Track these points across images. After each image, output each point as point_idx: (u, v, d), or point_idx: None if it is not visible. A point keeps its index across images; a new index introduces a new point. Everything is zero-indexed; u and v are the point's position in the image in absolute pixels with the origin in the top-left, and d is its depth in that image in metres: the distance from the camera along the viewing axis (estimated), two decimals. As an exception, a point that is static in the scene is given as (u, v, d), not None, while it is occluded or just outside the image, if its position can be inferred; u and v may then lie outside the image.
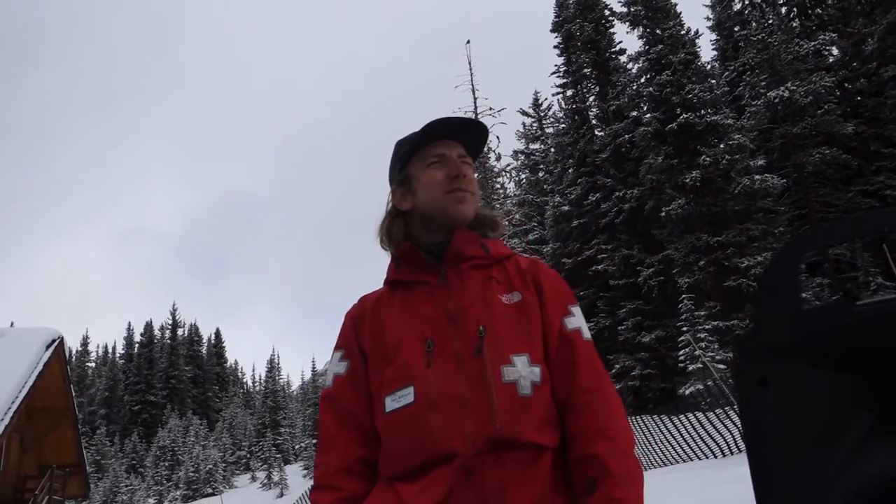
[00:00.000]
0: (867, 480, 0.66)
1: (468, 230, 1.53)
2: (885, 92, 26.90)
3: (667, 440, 15.63)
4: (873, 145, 27.00)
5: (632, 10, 29.75)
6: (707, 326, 22.74)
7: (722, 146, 25.76)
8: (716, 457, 13.45)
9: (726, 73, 33.21)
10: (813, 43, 28.15)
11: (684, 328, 22.84)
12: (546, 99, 47.79)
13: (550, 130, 44.67)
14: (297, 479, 54.44)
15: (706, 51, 49.60)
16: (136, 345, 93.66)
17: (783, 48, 27.57)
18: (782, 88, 26.40)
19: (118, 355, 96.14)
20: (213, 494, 57.71)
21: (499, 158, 30.32)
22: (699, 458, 14.08)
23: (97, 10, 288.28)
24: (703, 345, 21.54)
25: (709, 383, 16.55)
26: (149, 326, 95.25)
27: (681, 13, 29.10)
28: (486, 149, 28.03)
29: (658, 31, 28.67)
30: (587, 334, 1.47)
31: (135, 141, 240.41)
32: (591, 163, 32.50)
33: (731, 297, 24.27)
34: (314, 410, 66.80)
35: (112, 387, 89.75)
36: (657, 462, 15.63)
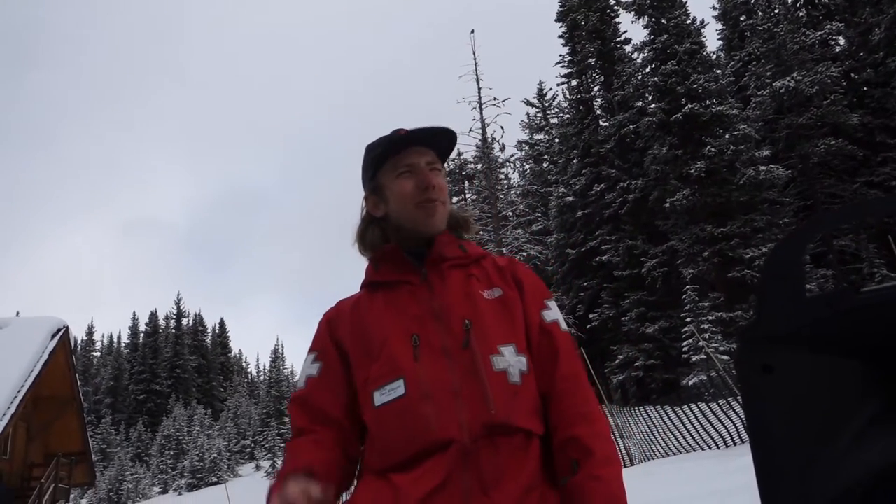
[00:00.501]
0: (867, 469, 0.66)
1: (447, 232, 1.57)
2: (891, 82, 26.74)
3: (670, 431, 15.63)
4: (879, 136, 26.86)
5: (637, -1, 29.62)
6: (711, 317, 22.73)
7: (727, 136, 25.66)
8: (718, 447, 13.44)
9: (732, 63, 33.04)
10: (819, 33, 27.96)
11: (688, 319, 22.83)
12: (551, 89, 47.63)
13: (555, 121, 44.53)
14: (302, 468, 54.58)
15: (712, 40, 49.26)
16: (141, 334, 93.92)
17: (789, 38, 27.41)
18: (788, 78, 26.26)
19: (123, 345, 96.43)
20: (217, 483, 57.93)
21: (503, 149, 30.34)
22: (702, 449, 14.07)
23: (104, 1, 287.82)
24: (706, 336, 21.54)
25: (712, 374, 16.55)
26: (154, 316, 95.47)
27: (686, 2, 28.96)
28: (490, 139, 28.04)
29: (663, 21, 28.52)
30: (564, 326, 1.53)
31: (141, 132, 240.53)
32: (596, 153, 32.41)
33: (735, 288, 24.24)
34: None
35: (117, 376, 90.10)
36: (660, 452, 15.65)
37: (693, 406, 14.82)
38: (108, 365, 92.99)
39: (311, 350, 1.57)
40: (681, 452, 14.78)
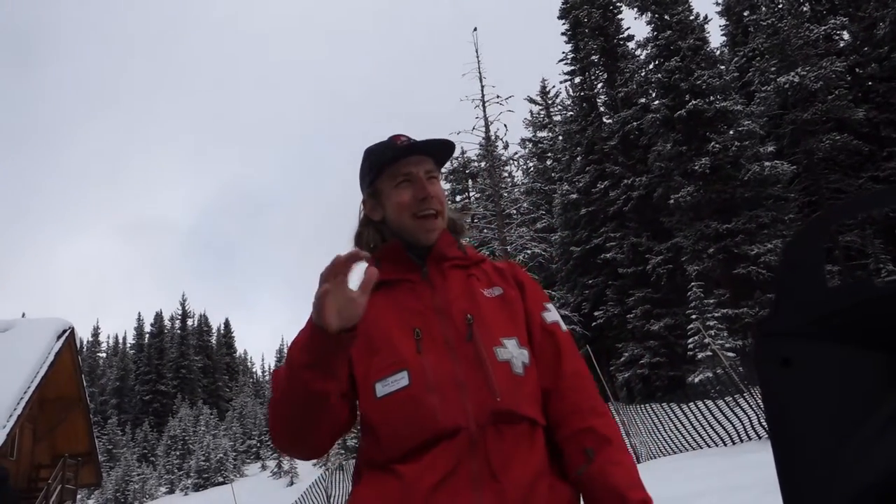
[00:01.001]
0: (890, 464, 0.65)
1: (448, 232, 1.61)
2: (896, 77, 26.63)
3: (676, 428, 15.61)
4: (884, 131, 26.74)
5: (640, -5, 29.56)
6: (716, 314, 22.68)
7: (731, 133, 25.60)
8: (725, 444, 13.42)
9: (736, 59, 32.96)
10: (823, 27, 27.84)
11: (693, 316, 22.78)
12: (554, 86, 47.55)
13: (558, 118, 44.46)
14: (307, 467, 54.76)
15: (715, 36, 49.35)
16: (147, 335, 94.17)
17: (793, 33, 27.31)
18: (792, 74, 26.17)
19: (129, 345, 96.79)
20: (223, 483, 58.11)
21: (506, 147, 30.34)
22: (708, 446, 14.06)
23: (108, 2, 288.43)
24: (712, 333, 21.48)
25: (718, 371, 16.51)
26: (159, 317, 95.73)
27: (689, -2, 28.88)
28: (493, 137, 28.01)
29: (666, 17, 28.46)
30: (565, 327, 1.59)
31: (147, 132, 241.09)
32: (600, 150, 32.36)
33: (740, 284, 24.18)
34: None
35: (123, 377, 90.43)
36: (666, 450, 15.63)
37: (699, 403, 14.80)
38: (114, 366, 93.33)
39: None
40: (687, 450, 14.77)
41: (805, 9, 30.90)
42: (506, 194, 30.67)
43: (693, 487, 7.94)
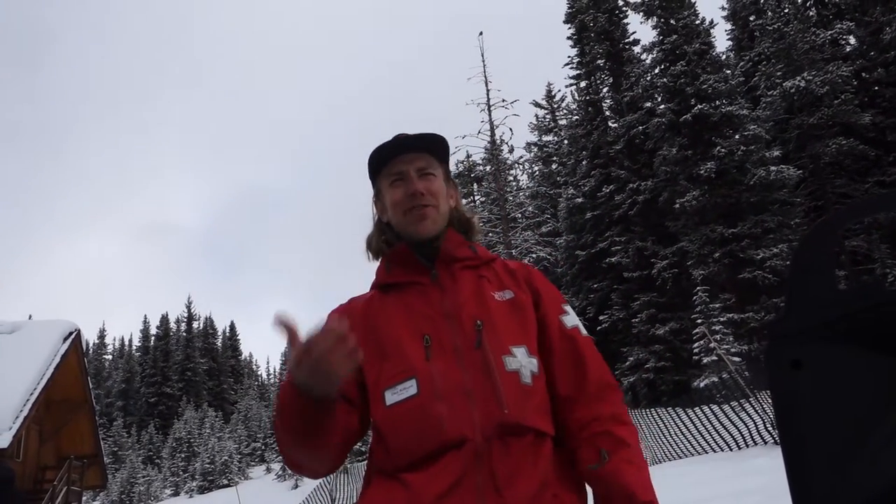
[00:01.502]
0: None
1: (456, 232, 1.60)
2: (903, 81, 26.55)
3: (681, 432, 15.58)
4: (891, 135, 26.67)
5: (645, 0, 29.53)
6: (722, 319, 22.62)
7: (737, 137, 25.55)
8: (731, 449, 13.39)
9: (741, 63, 32.91)
10: (830, 32, 27.80)
11: (699, 320, 22.72)
12: (559, 90, 47.60)
13: (564, 122, 44.47)
14: (312, 470, 54.70)
15: (721, 41, 49.12)
16: (153, 337, 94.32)
17: (799, 37, 27.27)
18: (798, 78, 26.12)
19: (134, 348, 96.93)
20: (228, 486, 58.09)
21: (512, 151, 30.30)
22: (714, 451, 14.02)
23: (119, 4, 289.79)
24: (717, 337, 21.43)
25: (724, 375, 16.46)
26: (164, 319, 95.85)
27: (695, 2, 28.87)
28: (498, 141, 28.01)
29: (672, 21, 28.44)
30: (583, 330, 1.57)
31: (154, 135, 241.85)
32: (605, 154, 32.31)
33: (746, 289, 24.11)
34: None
35: (129, 379, 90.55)
36: (672, 454, 15.59)
37: (705, 408, 14.76)
38: (120, 368, 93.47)
39: None
40: (693, 454, 14.73)
41: (811, 13, 30.87)
42: (511, 198, 30.71)
43: (699, 492, 7.91)
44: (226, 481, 60.25)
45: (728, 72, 28.56)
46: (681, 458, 14.94)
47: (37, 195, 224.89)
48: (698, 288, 23.56)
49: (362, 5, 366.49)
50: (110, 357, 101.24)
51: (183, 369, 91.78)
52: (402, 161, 1.57)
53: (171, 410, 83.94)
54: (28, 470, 18.61)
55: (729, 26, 35.98)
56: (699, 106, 25.88)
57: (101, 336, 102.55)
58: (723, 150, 24.95)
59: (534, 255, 29.60)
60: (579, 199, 32.68)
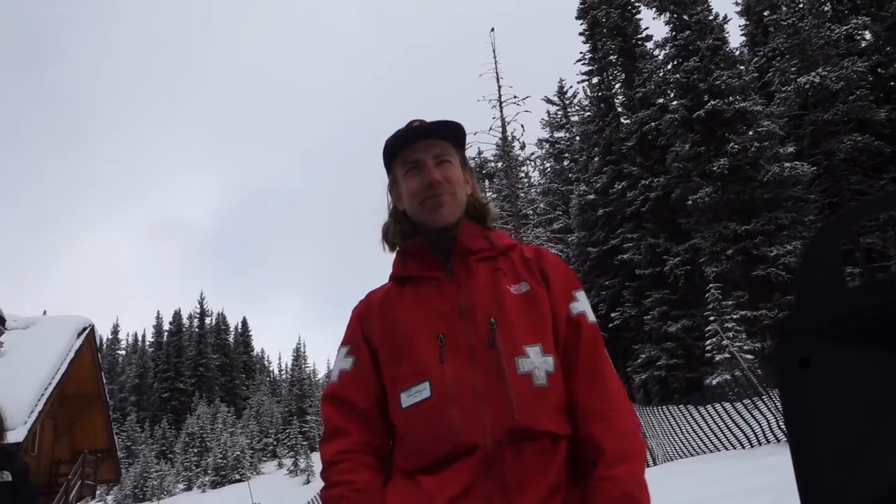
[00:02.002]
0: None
1: (472, 222, 1.56)
2: (919, 77, 26.27)
3: (693, 430, 15.52)
4: (906, 132, 26.40)
5: (659, -5, 29.39)
6: (735, 316, 22.50)
7: (751, 133, 25.38)
8: (743, 447, 13.32)
9: (755, 59, 32.65)
10: (845, 27, 27.53)
11: (711, 318, 22.61)
12: (571, 87, 47.51)
13: (576, 118, 44.34)
14: (323, 466, 54.90)
15: (735, 36, 48.78)
16: (166, 333, 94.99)
17: (814, 33, 27.02)
18: (813, 74, 25.90)
19: (148, 343, 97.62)
20: (240, 480, 58.48)
21: (523, 147, 30.20)
22: (726, 449, 13.96)
23: (130, 3, 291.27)
24: (730, 334, 21.32)
25: (736, 373, 16.38)
26: (177, 315, 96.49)
27: (709, -2, 28.67)
28: (510, 137, 27.96)
29: (685, 17, 28.27)
30: (592, 318, 1.50)
31: (168, 133, 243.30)
32: (617, 151, 32.20)
33: (759, 286, 23.96)
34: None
35: (142, 374, 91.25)
36: (684, 452, 15.54)
37: (717, 405, 14.69)
38: (133, 363, 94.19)
39: (343, 343, 1.57)
40: (705, 452, 14.67)
41: (826, 8, 30.55)
42: (522, 195, 30.60)
43: (711, 490, 7.88)
44: (238, 476, 60.65)
45: (742, 68, 28.35)
46: (693, 455, 14.88)
47: (51, 192, 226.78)
48: (711, 285, 23.44)
49: (374, 3, 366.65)
50: (124, 352, 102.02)
51: (195, 365, 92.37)
52: (418, 149, 1.54)
53: (184, 406, 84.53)
54: (43, 464, 18.79)
55: (743, 22, 35.73)
56: (712, 102, 25.72)
57: (115, 332, 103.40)
58: (736, 146, 24.79)
59: (545, 252, 29.50)
60: (591, 196, 32.60)
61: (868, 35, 29.43)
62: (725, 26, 28.39)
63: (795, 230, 24.21)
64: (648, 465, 13.97)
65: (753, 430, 13.06)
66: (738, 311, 22.81)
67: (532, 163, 44.60)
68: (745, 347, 20.78)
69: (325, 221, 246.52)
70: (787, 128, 27.56)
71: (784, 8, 29.88)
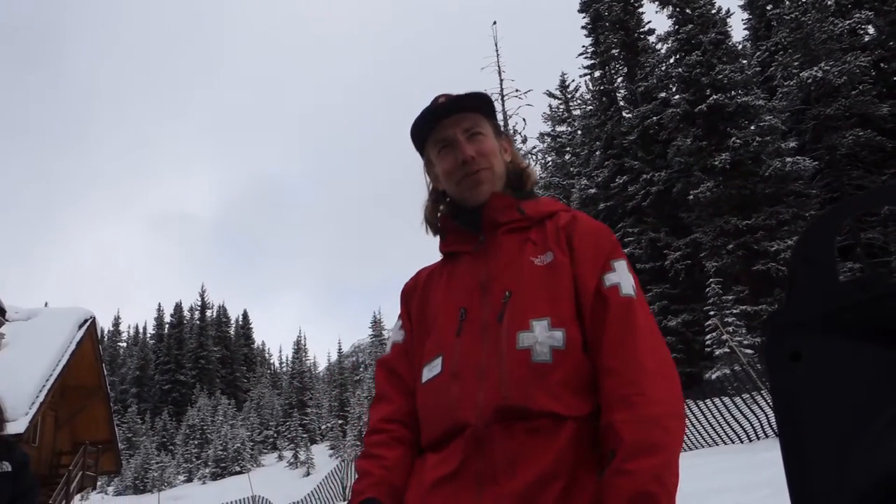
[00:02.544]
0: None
1: (502, 194, 1.51)
2: (922, 72, 26.19)
3: (692, 425, 15.54)
4: (909, 127, 26.32)
5: (661, -11, 29.26)
6: (735, 311, 22.49)
7: (752, 128, 25.31)
8: (742, 442, 13.35)
9: (758, 53, 32.53)
10: (848, 21, 27.42)
11: (711, 312, 22.61)
12: (573, 80, 47.25)
13: (577, 112, 44.20)
14: (324, 458, 55.15)
15: (737, 30, 48.76)
16: (167, 325, 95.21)
17: (817, 27, 26.92)
18: (816, 68, 25.81)
19: (149, 335, 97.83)
20: (240, 472, 58.63)
21: (525, 141, 30.19)
22: (725, 443, 13.99)
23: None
24: (730, 329, 21.32)
25: (736, 368, 16.40)
26: (178, 307, 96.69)
27: (711, -9, 28.55)
28: (512, 131, 27.90)
29: (688, 11, 28.17)
30: (627, 290, 1.34)
31: (171, 126, 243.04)
32: (619, 145, 32.13)
33: (759, 281, 23.95)
34: (340, 391, 67.58)
35: (143, 366, 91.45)
36: (682, 446, 15.56)
37: (716, 400, 14.71)
38: (134, 355, 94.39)
39: (399, 316, 1.61)
40: (703, 446, 14.69)
41: (829, 3, 30.43)
42: (524, 188, 30.52)
43: (709, 484, 7.90)
44: (238, 468, 60.81)
45: (744, 62, 28.24)
46: (691, 449, 14.91)
47: (53, 185, 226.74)
48: (711, 280, 23.44)
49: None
50: (125, 344, 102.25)
51: (196, 357, 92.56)
52: (448, 125, 1.51)
53: (185, 398, 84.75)
54: (44, 455, 18.85)
55: (746, 16, 35.57)
56: (714, 96, 25.65)
57: (116, 324, 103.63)
58: (738, 140, 24.74)
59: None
60: (592, 190, 32.53)
61: (871, 30, 29.31)
62: (728, 20, 28.26)
63: (796, 225, 24.18)
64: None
65: (752, 425, 13.09)
66: (739, 306, 22.81)
67: (534, 157, 44.47)
68: (745, 342, 20.78)
69: (327, 214, 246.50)
70: (789, 122, 27.49)
71: (787, 2, 29.74)
